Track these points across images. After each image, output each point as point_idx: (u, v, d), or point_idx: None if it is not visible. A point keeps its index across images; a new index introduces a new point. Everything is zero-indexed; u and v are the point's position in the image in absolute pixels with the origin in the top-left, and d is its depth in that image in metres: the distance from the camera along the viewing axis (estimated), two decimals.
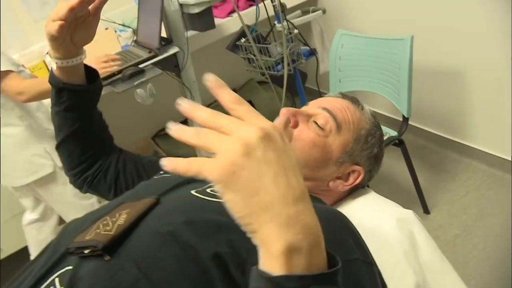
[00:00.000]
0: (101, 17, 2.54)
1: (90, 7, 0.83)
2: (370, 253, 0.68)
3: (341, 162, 0.88)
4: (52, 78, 0.92)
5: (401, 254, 0.74)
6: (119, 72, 1.77)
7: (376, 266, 0.69)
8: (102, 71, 1.72)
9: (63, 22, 0.79)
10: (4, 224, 2.29)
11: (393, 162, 2.29)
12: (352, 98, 0.97)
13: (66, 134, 0.99)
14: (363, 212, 0.87)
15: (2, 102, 1.77)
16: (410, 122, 2.51)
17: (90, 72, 0.97)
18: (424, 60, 2.25)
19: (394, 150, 1.97)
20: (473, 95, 2.15)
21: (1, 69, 1.65)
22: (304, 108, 0.92)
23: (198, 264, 0.60)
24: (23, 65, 1.91)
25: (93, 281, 0.60)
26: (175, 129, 0.43)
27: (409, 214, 0.83)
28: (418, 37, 1.97)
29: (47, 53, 1.89)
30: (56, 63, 0.88)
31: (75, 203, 2.01)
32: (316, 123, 0.86)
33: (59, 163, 1.82)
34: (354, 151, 0.89)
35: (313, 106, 0.92)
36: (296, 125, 0.87)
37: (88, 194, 1.98)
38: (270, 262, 0.41)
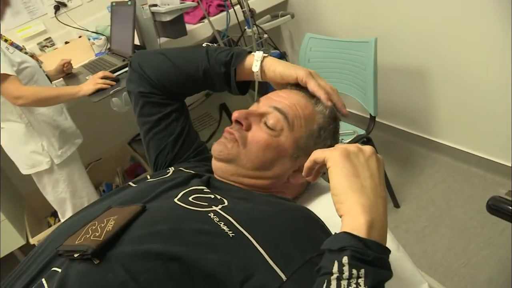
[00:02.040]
0: (74, 25, 2.55)
1: None
2: None
3: (296, 157, 0.91)
4: (238, 57, 0.98)
5: None
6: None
7: None
8: (98, 86, 1.80)
9: None
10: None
11: None
12: (306, 91, 0.96)
13: (175, 72, 1.03)
14: (326, 208, 0.93)
15: (3, 100, 1.81)
16: (379, 120, 2.62)
17: (246, 83, 1.04)
18: (390, 60, 2.35)
19: None
20: (438, 92, 2.24)
21: (1, 72, 1.68)
22: (255, 107, 0.94)
23: (181, 267, 0.65)
24: (23, 46, 1.98)
25: (83, 283, 0.65)
26: None
27: None
28: (384, 38, 2.05)
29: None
30: (257, 71, 0.97)
31: (65, 200, 2.09)
32: (266, 124, 0.89)
33: (56, 161, 1.96)
34: (307, 145, 0.91)
35: (264, 104, 0.93)
36: (249, 128, 0.90)
37: (79, 193, 2.10)
38: (355, 229, 0.57)
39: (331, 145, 0.95)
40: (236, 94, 1.03)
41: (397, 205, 2.19)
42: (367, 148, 0.66)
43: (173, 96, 1.08)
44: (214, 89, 1.06)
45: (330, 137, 0.96)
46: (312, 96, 0.95)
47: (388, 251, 0.57)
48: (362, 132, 2.03)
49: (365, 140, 2.01)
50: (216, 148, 0.91)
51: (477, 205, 2.04)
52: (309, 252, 0.68)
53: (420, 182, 2.31)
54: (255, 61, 0.96)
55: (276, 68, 0.96)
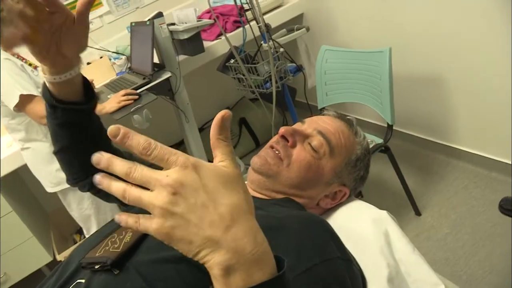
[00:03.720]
0: (95, 46, 2.62)
1: (75, 14, 0.73)
2: (348, 252, 0.77)
3: (330, 183, 0.96)
4: (45, 93, 0.83)
5: (377, 250, 0.83)
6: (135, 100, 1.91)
7: (355, 262, 0.78)
8: (121, 104, 1.85)
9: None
10: (10, 252, 2.37)
11: (382, 168, 2.38)
12: (348, 120, 1.02)
13: (61, 147, 0.93)
14: (343, 216, 0.96)
15: (29, 120, 1.90)
16: (397, 128, 2.62)
17: (85, 84, 0.88)
18: (406, 68, 2.36)
19: (383, 157, 2.06)
20: (455, 99, 2.24)
21: (25, 93, 1.75)
22: (301, 128, 0.97)
23: (196, 273, 0.68)
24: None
25: None
26: (102, 181, 0.47)
27: (383, 214, 0.92)
28: (398, 48, 2.07)
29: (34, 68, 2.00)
30: (47, 78, 0.79)
31: (90, 216, 2.15)
32: (310, 145, 0.93)
33: None
34: (343, 173, 0.97)
35: (310, 126, 0.97)
36: (293, 145, 0.94)
37: (103, 209, 2.14)
38: (216, 284, 0.47)
39: (363, 176, 1.01)
40: (89, 106, 0.89)
41: (418, 213, 2.18)
42: (171, 207, 0.45)
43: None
44: (84, 123, 0.92)
45: (363, 169, 1.01)
46: (352, 126, 1.00)
47: (264, 285, 0.46)
48: (380, 141, 2.03)
49: (383, 149, 2.02)
50: (257, 161, 0.94)
51: None
52: (313, 259, 0.69)
53: (441, 189, 2.30)
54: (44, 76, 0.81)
55: None
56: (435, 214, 2.16)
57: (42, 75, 0.80)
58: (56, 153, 0.96)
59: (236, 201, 0.47)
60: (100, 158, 0.46)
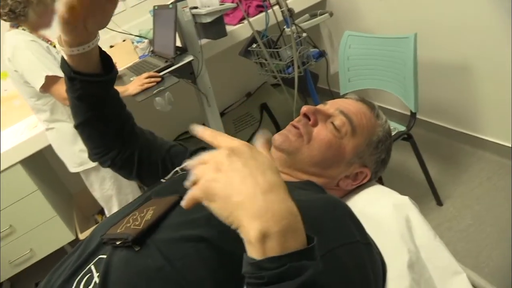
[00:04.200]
0: (118, 29, 2.63)
1: None
2: (368, 235, 0.76)
3: (351, 163, 0.96)
4: (63, 65, 0.85)
5: (397, 235, 0.82)
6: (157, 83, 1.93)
7: (376, 246, 0.77)
8: (144, 86, 1.87)
9: (74, 5, 0.70)
10: (35, 229, 2.43)
11: (405, 157, 2.34)
12: (369, 103, 1.02)
13: (81, 120, 0.96)
14: (364, 200, 0.95)
15: (54, 101, 1.93)
16: (421, 117, 2.58)
17: (105, 58, 0.89)
18: (432, 55, 2.30)
19: (406, 145, 2.03)
20: (482, 87, 2.18)
21: (50, 74, 1.78)
22: (323, 108, 0.97)
23: (214, 253, 0.69)
24: None
25: (125, 268, 0.70)
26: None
27: (405, 199, 0.90)
28: (424, 34, 2.02)
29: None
30: (64, 50, 0.80)
31: (111, 196, 2.19)
32: (333, 124, 0.93)
33: None
34: (364, 154, 0.96)
35: (331, 107, 0.97)
36: (315, 124, 0.94)
37: (124, 190, 2.17)
38: (251, 249, 0.49)
39: (385, 159, 1.01)
40: (105, 79, 0.90)
41: (440, 203, 2.15)
42: (221, 163, 0.53)
43: (120, 138, 1.05)
44: (103, 96, 0.94)
45: (385, 152, 1.01)
46: (374, 109, 1.00)
47: (295, 254, 0.48)
48: (402, 128, 2.00)
49: (406, 136, 1.99)
50: (278, 138, 0.94)
51: None
52: (333, 242, 0.69)
53: (465, 180, 2.25)
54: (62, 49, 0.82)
55: None
56: (458, 205, 2.12)
57: (59, 47, 0.82)
58: (76, 126, 0.99)
59: (278, 179, 0.53)
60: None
